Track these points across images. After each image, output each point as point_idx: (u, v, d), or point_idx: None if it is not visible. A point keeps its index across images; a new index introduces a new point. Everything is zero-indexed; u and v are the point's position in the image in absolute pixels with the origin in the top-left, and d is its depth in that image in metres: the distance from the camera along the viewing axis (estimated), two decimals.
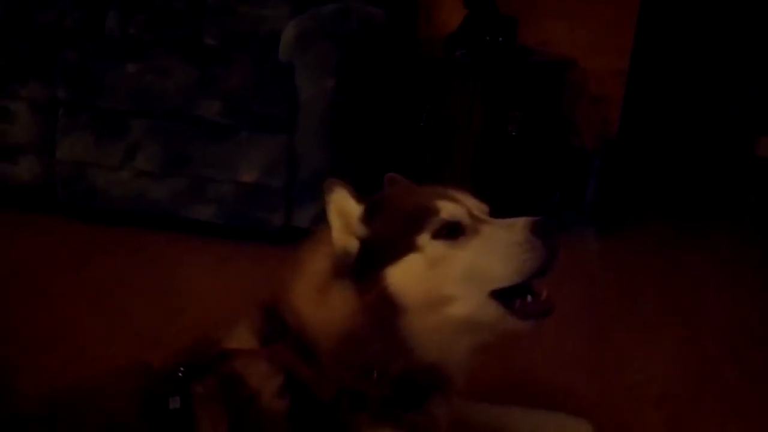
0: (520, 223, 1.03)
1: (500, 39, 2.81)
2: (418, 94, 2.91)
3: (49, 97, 2.50)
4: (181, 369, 1.04)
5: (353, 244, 1.05)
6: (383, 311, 1.01)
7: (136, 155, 2.48)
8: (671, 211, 3.41)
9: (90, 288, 2.11)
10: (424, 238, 1.02)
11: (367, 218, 1.06)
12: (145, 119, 2.46)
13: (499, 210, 1.14)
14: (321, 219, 1.11)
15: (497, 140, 2.83)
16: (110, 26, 2.90)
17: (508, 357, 1.87)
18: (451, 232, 1.03)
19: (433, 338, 1.03)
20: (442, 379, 1.07)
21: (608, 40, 3.13)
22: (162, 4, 2.91)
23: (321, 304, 1.05)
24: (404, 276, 1.02)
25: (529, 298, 1.04)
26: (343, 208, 1.07)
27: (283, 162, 2.42)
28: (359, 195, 1.08)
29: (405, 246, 1.02)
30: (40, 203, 2.64)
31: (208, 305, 1.94)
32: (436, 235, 1.03)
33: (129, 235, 2.54)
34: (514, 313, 1.04)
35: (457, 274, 1.02)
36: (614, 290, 2.40)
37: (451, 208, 1.05)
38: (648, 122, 4.21)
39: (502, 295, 1.03)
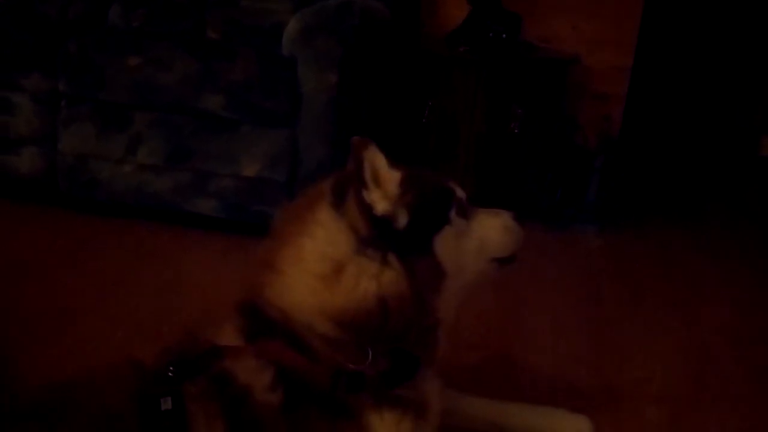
0: (505, 212, 1.25)
1: (504, 35, 2.80)
2: (420, 90, 2.91)
3: (51, 88, 2.49)
4: (171, 369, 1.02)
5: (401, 211, 1.06)
6: (432, 277, 1.09)
7: (138, 148, 2.48)
8: (673, 210, 3.41)
9: (91, 280, 2.11)
10: (452, 214, 1.13)
11: (405, 186, 1.08)
12: (148, 112, 2.46)
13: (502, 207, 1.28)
14: None
15: (500, 137, 2.83)
16: (113, 18, 2.89)
17: (508, 354, 1.87)
18: (462, 210, 1.15)
19: (448, 299, 1.13)
20: (435, 342, 1.13)
21: (612, 37, 3.12)
22: None
23: (334, 285, 1.04)
24: (443, 245, 1.11)
25: None
26: (378, 171, 1.07)
27: (285, 156, 2.42)
28: (391, 159, 1.10)
29: (441, 219, 1.12)
30: (41, 195, 2.64)
31: (209, 299, 1.94)
32: (458, 213, 1.14)
33: (130, 227, 2.54)
34: (500, 267, 1.25)
35: (472, 246, 1.17)
36: (615, 288, 2.40)
37: (459, 189, 1.17)
38: (651, 120, 4.20)
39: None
